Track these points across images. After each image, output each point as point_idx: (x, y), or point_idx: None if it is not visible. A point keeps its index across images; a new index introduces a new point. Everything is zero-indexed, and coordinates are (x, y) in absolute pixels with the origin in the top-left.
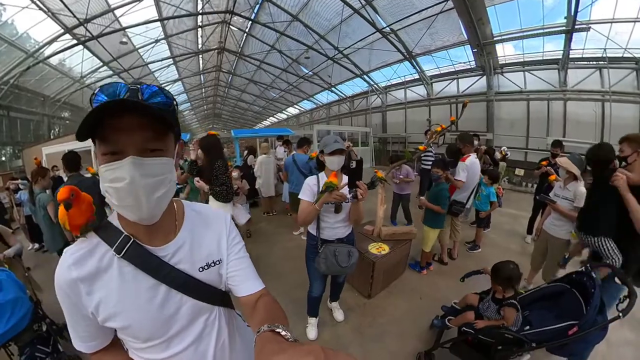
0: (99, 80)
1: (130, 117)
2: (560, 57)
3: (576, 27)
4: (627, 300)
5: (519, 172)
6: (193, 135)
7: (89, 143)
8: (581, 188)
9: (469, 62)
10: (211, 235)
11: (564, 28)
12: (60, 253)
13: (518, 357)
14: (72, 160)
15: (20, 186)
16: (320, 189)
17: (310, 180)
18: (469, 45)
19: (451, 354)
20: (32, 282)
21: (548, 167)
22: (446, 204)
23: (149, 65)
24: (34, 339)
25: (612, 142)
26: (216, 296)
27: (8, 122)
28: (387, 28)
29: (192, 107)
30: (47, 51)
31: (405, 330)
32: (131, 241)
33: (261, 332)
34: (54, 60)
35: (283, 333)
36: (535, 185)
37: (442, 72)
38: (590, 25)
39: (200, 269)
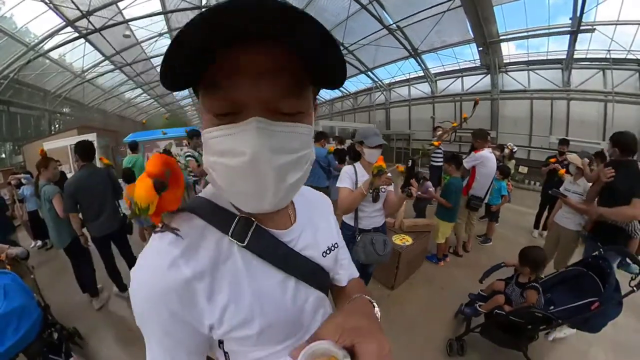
0: (99, 75)
1: (263, 48)
2: (565, 57)
3: (581, 28)
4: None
5: (523, 169)
6: None
7: (91, 138)
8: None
9: (474, 60)
10: (324, 218)
11: (569, 29)
12: (68, 249)
13: (546, 335)
14: (87, 149)
15: (23, 181)
16: (358, 176)
17: (349, 169)
18: (474, 44)
19: (479, 339)
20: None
21: (556, 165)
22: (453, 199)
23: (151, 60)
24: (44, 348)
25: None
26: (328, 284)
27: (8, 118)
28: (394, 25)
29: (193, 102)
30: (48, 44)
31: (432, 319)
32: (254, 225)
33: (359, 296)
34: (54, 54)
35: (376, 309)
36: (538, 183)
37: (446, 69)
38: (595, 26)
39: (324, 254)
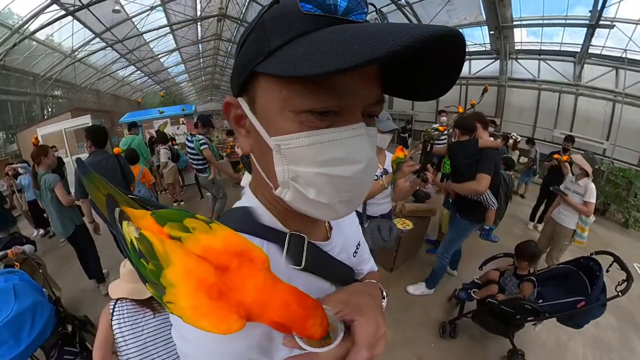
0: (90, 54)
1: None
2: (579, 50)
3: (600, 22)
4: (625, 283)
5: (523, 160)
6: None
7: (85, 120)
8: (591, 184)
9: (484, 44)
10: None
11: (587, 21)
12: (72, 238)
13: (533, 326)
14: (100, 135)
15: (20, 170)
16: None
17: None
18: (486, 27)
19: (470, 324)
20: (50, 281)
21: (560, 160)
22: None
23: (144, 35)
24: (59, 341)
25: (618, 143)
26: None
27: None
28: (403, 0)
29: (190, 78)
30: (34, 25)
31: (427, 302)
32: (306, 242)
33: (372, 281)
34: (41, 35)
35: (385, 301)
36: (537, 175)
37: None
38: (615, 22)
39: (354, 255)
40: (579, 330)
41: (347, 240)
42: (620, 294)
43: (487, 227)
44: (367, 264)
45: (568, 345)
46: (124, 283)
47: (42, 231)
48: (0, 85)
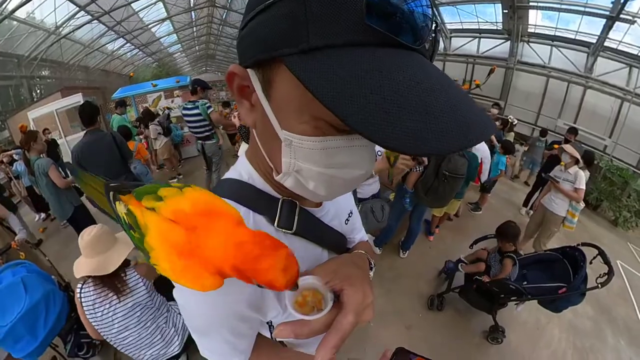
0: (76, 29)
1: None
2: (594, 42)
3: (621, 16)
4: (606, 276)
5: (520, 148)
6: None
7: (77, 99)
8: (581, 172)
9: (496, 22)
10: None
11: (607, 12)
12: (70, 221)
13: (515, 305)
14: (89, 112)
15: (15, 157)
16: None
17: None
18: (499, 4)
19: (457, 298)
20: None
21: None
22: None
23: (132, 5)
24: (74, 325)
25: (620, 142)
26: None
27: None
28: None
29: (183, 48)
30: (12, 3)
31: (418, 274)
32: (298, 208)
33: (360, 252)
34: (21, 14)
35: (372, 272)
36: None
37: (464, 27)
38: (636, 18)
39: (346, 222)
40: (557, 315)
41: (339, 208)
42: (600, 285)
43: (403, 187)
44: (358, 232)
45: (546, 327)
46: (85, 259)
47: (43, 215)
48: None
